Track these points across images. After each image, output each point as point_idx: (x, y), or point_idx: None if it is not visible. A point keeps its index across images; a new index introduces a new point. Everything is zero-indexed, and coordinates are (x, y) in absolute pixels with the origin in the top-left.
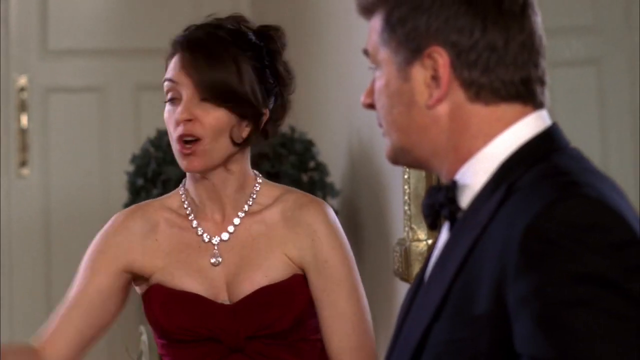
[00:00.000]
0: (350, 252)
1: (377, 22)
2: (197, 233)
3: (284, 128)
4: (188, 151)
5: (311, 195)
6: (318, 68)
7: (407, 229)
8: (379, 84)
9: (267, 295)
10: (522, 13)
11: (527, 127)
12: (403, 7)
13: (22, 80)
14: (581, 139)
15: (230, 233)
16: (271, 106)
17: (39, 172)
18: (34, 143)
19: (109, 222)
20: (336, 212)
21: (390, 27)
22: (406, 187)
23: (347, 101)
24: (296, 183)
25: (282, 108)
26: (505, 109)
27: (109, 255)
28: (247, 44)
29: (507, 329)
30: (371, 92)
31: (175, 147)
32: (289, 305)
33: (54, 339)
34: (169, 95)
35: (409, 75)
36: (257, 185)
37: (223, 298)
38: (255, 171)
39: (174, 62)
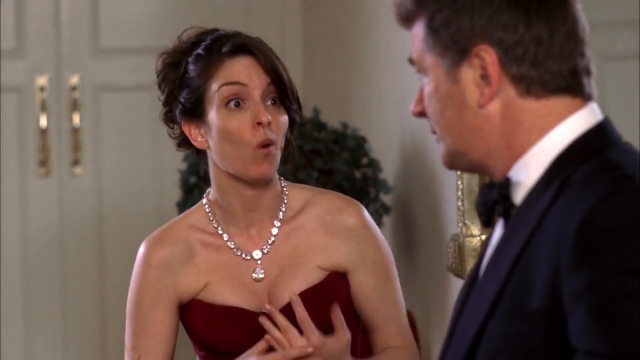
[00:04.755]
0: (389, 249)
1: (419, 29)
2: (234, 252)
3: (336, 124)
4: (270, 151)
5: (343, 196)
6: (370, 64)
7: (460, 224)
8: (428, 89)
9: (307, 300)
10: (564, 2)
11: (579, 121)
12: (444, 10)
13: (74, 79)
14: (634, 132)
15: (270, 245)
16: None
17: (91, 171)
18: (86, 142)
19: (144, 258)
20: (389, 209)
21: (434, 32)
22: (459, 182)
23: (399, 97)
24: (349, 180)
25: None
26: (555, 103)
27: (164, 297)
28: None
29: (563, 323)
30: (420, 100)
31: (248, 153)
32: (329, 306)
33: None
34: (234, 100)
35: (458, 77)
36: (285, 189)
37: (265, 308)
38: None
39: (241, 65)
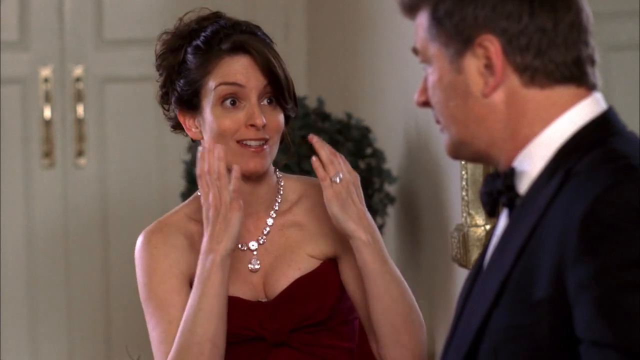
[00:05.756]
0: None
1: (423, 19)
2: None
3: (340, 114)
4: (261, 148)
5: None
6: (374, 54)
7: (465, 214)
8: (432, 79)
9: (302, 287)
10: None
11: (583, 111)
12: (448, 0)
13: (78, 71)
14: (637, 122)
15: (265, 235)
16: None
17: (95, 162)
18: (90, 133)
19: (146, 244)
20: (393, 199)
21: (438, 21)
22: (464, 172)
23: (403, 87)
24: (353, 170)
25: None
26: (560, 92)
27: (174, 272)
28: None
29: (567, 313)
30: (424, 89)
31: (237, 148)
32: (324, 292)
33: None
34: (230, 99)
35: (462, 67)
36: (280, 181)
37: (261, 297)
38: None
39: (239, 65)
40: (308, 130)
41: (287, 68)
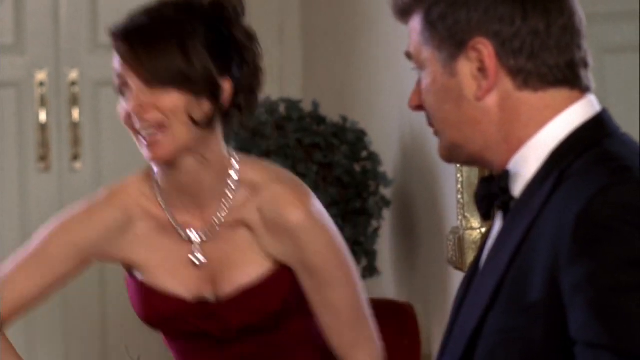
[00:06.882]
0: (339, 243)
1: (416, 22)
2: (176, 230)
3: (336, 117)
4: (152, 138)
5: (296, 189)
6: (369, 58)
7: (460, 217)
8: (425, 83)
9: (252, 292)
10: None
11: (577, 113)
12: (441, 3)
13: (73, 74)
14: (633, 124)
15: (211, 230)
16: (236, 76)
17: (91, 165)
18: (85, 137)
19: (94, 200)
20: (389, 202)
21: (431, 25)
22: (459, 175)
23: (398, 90)
24: (349, 173)
25: (252, 75)
26: (553, 95)
27: (80, 247)
28: (196, 17)
29: (562, 316)
30: (418, 93)
31: (136, 139)
32: (269, 302)
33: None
34: (119, 87)
35: (455, 70)
36: (235, 166)
37: (207, 294)
38: (229, 149)
39: (115, 53)
40: (303, 134)
41: (176, 49)
